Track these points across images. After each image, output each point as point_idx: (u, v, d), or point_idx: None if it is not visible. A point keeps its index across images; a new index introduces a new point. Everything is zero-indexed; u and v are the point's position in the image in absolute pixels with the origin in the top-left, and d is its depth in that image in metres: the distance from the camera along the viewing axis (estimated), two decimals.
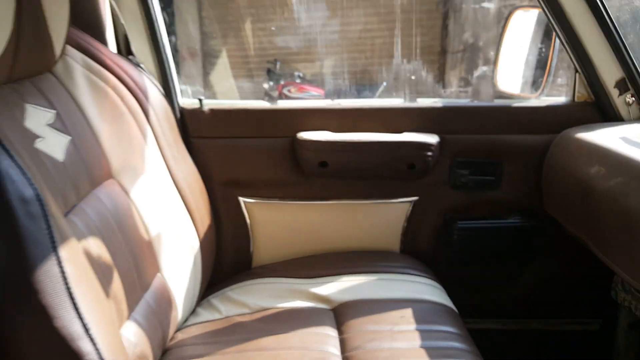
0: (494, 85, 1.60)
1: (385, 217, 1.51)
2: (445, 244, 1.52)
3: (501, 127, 1.46)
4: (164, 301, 1.12)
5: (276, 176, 1.48)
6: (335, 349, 1.09)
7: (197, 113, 1.47)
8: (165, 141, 1.29)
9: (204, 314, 1.28)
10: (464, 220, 1.49)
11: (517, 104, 1.48)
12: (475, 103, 1.54)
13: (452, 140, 1.46)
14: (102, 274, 0.89)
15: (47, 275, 0.69)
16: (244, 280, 1.39)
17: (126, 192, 1.08)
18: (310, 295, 1.28)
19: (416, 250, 1.52)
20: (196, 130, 1.47)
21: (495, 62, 1.58)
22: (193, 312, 1.30)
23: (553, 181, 1.38)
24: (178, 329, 1.21)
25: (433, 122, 1.46)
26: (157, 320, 1.07)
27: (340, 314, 1.21)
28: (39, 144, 0.87)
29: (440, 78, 4.73)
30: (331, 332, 1.14)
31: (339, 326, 1.17)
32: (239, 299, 1.30)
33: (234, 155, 1.47)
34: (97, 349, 0.72)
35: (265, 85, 4.64)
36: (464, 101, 1.61)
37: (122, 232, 1.01)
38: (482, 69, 4.19)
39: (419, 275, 1.37)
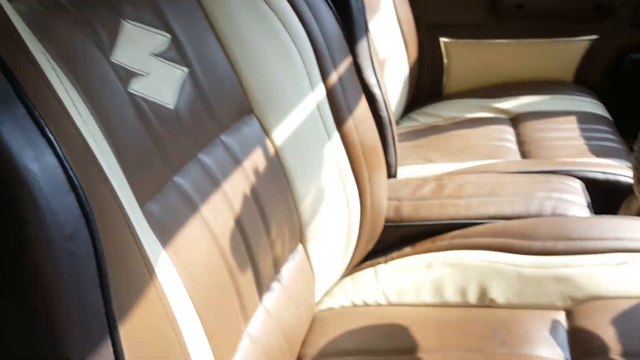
0: None
1: (563, 53, 1.75)
2: (614, 75, 1.73)
3: None
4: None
5: (475, 19, 1.77)
6: (511, 136, 1.45)
7: None
8: None
9: (406, 124, 1.69)
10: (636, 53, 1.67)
11: None
12: None
13: None
14: None
15: None
16: (438, 102, 1.76)
17: None
18: (492, 109, 1.61)
19: (587, 81, 1.75)
20: None
21: None
22: (397, 123, 1.71)
23: None
24: None
25: None
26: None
27: (516, 120, 1.54)
28: None
29: None
30: (508, 129, 1.49)
31: (515, 127, 1.50)
32: (434, 112, 1.69)
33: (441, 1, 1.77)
34: None
35: None
36: None
37: None
38: None
39: (586, 96, 1.62)
